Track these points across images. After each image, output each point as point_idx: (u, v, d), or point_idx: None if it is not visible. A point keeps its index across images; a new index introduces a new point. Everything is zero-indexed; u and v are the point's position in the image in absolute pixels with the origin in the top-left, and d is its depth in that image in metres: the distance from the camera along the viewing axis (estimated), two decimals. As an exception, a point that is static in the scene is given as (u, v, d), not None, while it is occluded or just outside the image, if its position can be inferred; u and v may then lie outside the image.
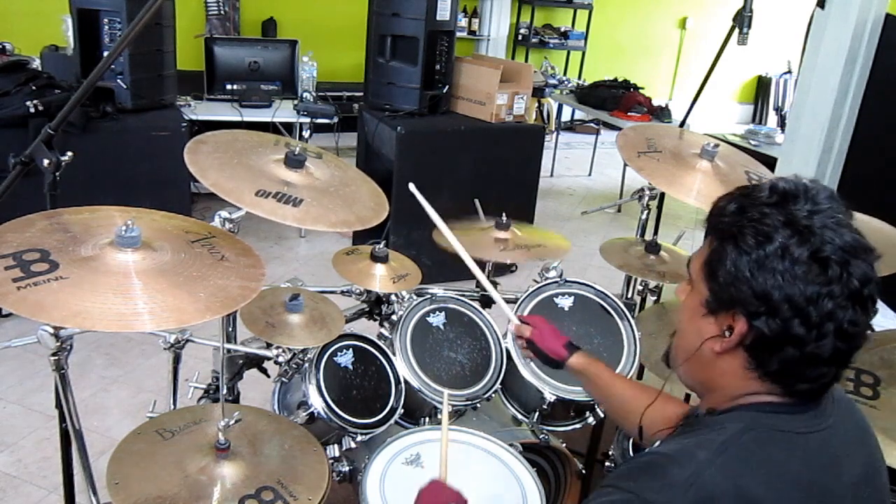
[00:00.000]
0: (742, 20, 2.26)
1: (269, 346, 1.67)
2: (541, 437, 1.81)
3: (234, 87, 4.47)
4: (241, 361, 1.78)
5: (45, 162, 1.38)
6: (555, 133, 6.95)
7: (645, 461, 0.94)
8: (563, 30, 7.98)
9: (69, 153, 1.41)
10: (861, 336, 0.91)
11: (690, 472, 0.87)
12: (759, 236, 0.90)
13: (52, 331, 1.31)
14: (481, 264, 2.06)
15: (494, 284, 2.22)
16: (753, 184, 0.99)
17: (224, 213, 1.51)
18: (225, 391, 1.72)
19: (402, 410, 1.76)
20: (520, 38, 7.75)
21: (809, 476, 0.90)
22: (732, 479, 0.86)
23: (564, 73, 7.96)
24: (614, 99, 5.68)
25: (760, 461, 0.89)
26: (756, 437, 0.91)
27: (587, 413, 1.94)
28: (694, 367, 1.02)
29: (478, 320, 1.94)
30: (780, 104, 8.99)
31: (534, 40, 7.71)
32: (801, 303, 0.87)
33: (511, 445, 1.59)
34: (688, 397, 2.01)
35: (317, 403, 1.64)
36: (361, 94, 4.28)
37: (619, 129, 4.41)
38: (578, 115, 7.74)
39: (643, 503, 0.86)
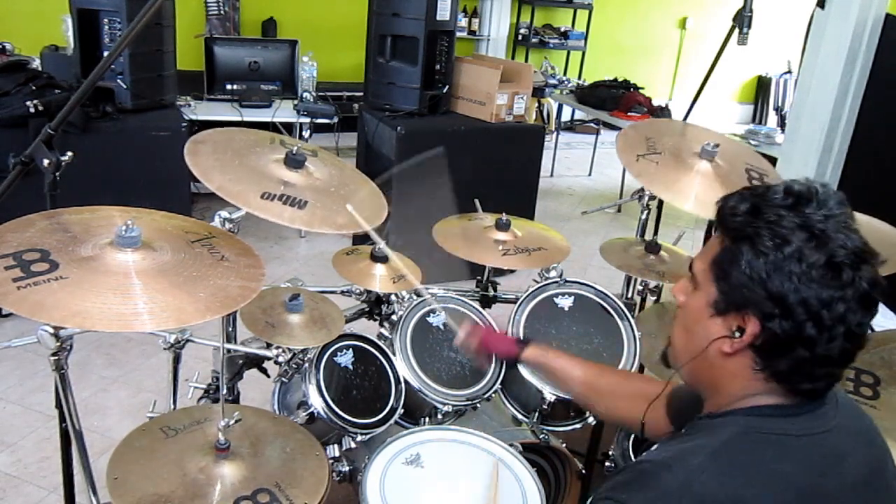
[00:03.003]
0: (742, 20, 2.26)
1: (269, 346, 1.67)
2: (541, 437, 1.81)
3: (234, 87, 4.47)
4: (241, 361, 1.78)
5: (45, 162, 1.38)
6: (555, 133, 6.95)
7: (639, 470, 0.94)
8: (563, 30, 7.98)
9: (69, 153, 1.41)
10: (865, 336, 0.92)
11: (683, 478, 0.87)
12: (777, 238, 0.90)
13: (52, 331, 1.31)
14: (481, 267, 2.07)
15: (494, 285, 2.23)
16: (765, 184, 0.98)
17: (224, 213, 1.51)
18: (225, 391, 1.72)
19: (402, 410, 1.76)
20: (520, 38, 7.75)
21: (804, 478, 0.90)
22: (724, 485, 0.87)
23: (564, 73, 7.96)
24: (614, 99, 5.68)
25: (753, 465, 0.89)
26: (749, 442, 0.91)
27: (587, 413, 1.94)
28: (699, 367, 1.02)
29: (478, 320, 1.94)
30: (780, 104, 8.98)
31: (534, 40, 7.71)
32: (815, 306, 0.88)
33: (511, 445, 1.59)
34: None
35: (317, 403, 1.64)
36: (361, 94, 4.28)
37: (619, 128, 4.40)
38: (578, 115, 7.74)
39: None
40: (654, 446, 1.08)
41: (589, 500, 0.94)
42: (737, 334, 0.94)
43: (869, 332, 0.94)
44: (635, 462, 0.97)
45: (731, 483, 0.87)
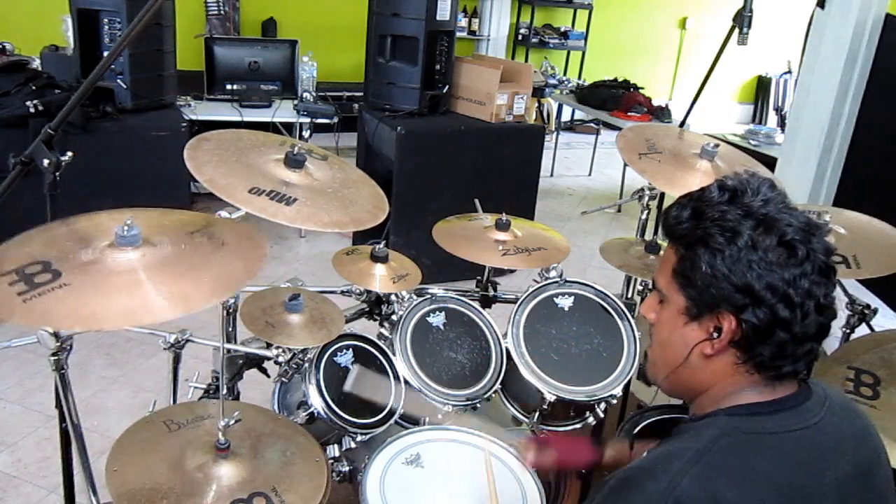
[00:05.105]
0: (742, 20, 2.26)
1: (269, 346, 1.67)
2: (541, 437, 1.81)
3: (234, 87, 4.47)
4: (241, 361, 1.78)
5: (45, 162, 1.38)
6: (555, 133, 6.95)
7: (624, 478, 0.94)
8: (563, 30, 7.98)
9: (69, 153, 1.41)
10: (834, 307, 0.96)
11: (666, 483, 0.88)
12: (727, 233, 0.93)
13: (51, 331, 1.31)
14: (481, 266, 2.07)
15: (494, 285, 2.23)
16: (699, 188, 1.01)
17: (224, 213, 1.50)
18: (225, 391, 1.72)
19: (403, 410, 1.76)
20: (520, 38, 7.75)
21: (784, 476, 0.91)
22: (706, 487, 0.88)
23: (564, 73, 7.96)
24: (614, 99, 5.68)
25: (734, 466, 0.90)
26: (730, 443, 0.92)
27: (587, 413, 1.94)
28: (681, 375, 1.04)
29: (478, 320, 1.94)
30: (780, 104, 8.98)
31: (534, 40, 7.71)
32: (781, 287, 0.91)
33: (511, 445, 1.59)
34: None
35: (317, 403, 1.64)
36: (361, 94, 4.28)
37: (619, 129, 4.40)
38: (578, 115, 7.74)
39: None
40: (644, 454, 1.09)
41: None
42: (715, 335, 0.97)
43: (868, 331, 0.95)
44: (621, 470, 0.97)
45: (712, 485, 0.88)
